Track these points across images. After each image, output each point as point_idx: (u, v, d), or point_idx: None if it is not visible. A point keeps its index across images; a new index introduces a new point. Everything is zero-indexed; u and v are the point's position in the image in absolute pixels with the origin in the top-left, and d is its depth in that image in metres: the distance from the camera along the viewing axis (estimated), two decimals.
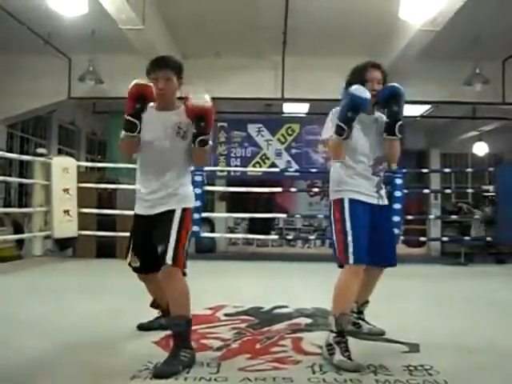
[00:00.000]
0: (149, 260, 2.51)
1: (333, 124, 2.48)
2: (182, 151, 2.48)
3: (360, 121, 2.51)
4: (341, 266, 2.49)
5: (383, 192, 2.63)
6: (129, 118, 2.38)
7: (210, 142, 2.44)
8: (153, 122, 2.48)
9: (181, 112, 2.47)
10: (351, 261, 2.41)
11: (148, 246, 2.47)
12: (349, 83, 2.55)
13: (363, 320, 2.86)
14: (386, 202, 2.65)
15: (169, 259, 2.32)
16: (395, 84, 2.51)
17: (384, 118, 2.57)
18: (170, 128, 2.47)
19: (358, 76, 2.55)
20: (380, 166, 2.60)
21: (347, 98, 2.39)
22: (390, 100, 2.49)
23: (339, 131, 2.41)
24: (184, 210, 2.44)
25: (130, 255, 2.63)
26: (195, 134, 2.39)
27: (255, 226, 11.13)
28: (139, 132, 2.42)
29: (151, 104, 2.48)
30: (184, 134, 2.46)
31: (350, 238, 2.43)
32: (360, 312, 2.86)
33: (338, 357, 2.27)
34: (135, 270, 2.67)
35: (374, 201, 2.56)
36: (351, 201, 2.49)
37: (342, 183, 2.53)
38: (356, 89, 2.38)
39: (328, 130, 2.54)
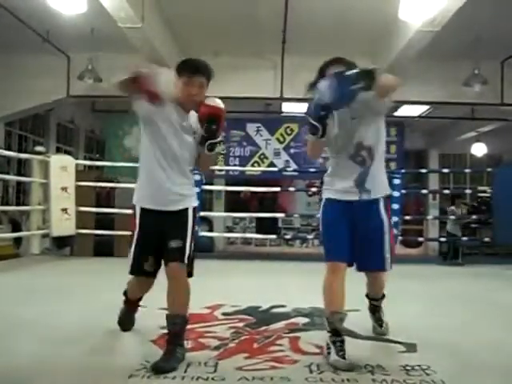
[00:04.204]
0: None
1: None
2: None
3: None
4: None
5: (370, 185, 2.41)
6: None
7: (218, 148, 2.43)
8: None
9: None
10: (325, 258, 2.47)
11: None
12: (314, 83, 2.44)
13: None
14: (374, 196, 2.43)
15: None
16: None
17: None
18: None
19: (320, 73, 2.52)
20: (363, 152, 2.38)
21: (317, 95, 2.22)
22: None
23: (312, 130, 2.29)
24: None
25: None
26: (205, 137, 2.39)
27: (263, 227, 11.15)
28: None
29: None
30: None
31: (324, 236, 2.50)
32: None
33: (333, 356, 2.26)
34: None
35: (354, 197, 2.41)
36: (327, 200, 2.53)
37: (324, 183, 2.59)
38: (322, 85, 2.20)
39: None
